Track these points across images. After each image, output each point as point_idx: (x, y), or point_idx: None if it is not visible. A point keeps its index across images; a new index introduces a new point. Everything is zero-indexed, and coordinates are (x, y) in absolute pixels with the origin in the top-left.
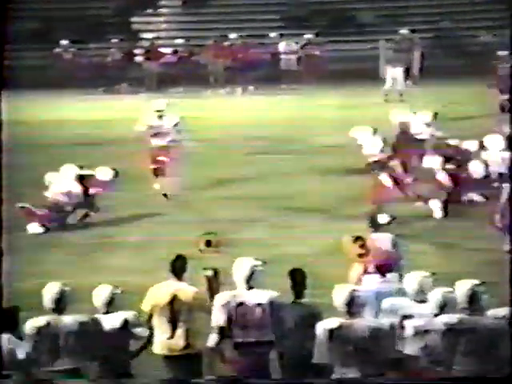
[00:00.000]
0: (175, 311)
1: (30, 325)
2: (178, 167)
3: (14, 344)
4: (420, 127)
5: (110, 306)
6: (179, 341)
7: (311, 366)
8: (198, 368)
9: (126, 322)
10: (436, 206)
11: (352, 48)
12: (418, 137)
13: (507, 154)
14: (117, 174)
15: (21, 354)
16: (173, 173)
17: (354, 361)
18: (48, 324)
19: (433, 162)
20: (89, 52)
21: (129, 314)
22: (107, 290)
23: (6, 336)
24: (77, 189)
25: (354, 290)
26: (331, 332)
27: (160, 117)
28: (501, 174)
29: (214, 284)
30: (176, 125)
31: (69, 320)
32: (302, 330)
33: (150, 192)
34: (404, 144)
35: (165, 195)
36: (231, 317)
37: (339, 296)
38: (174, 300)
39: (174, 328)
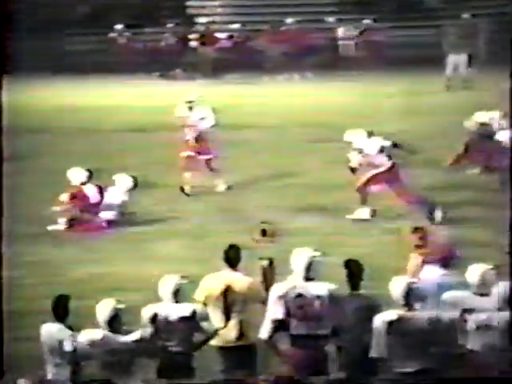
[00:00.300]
0: (229, 302)
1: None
2: (210, 161)
3: (64, 335)
4: (497, 126)
5: (177, 296)
6: (232, 332)
7: (370, 360)
8: (251, 360)
9: (194, 314)
10: None
11: (413, 33)
12: (496, 137)
13: None
14: (135, 185)
15: (68, 347)
16: (202, 166)
17: (413, 354)
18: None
19: None
20: (143, 37)
21: (198, 306)
22: (173, 281)
23: (56, 326)
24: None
25: (413, 282)
26: (389, 325)
27: (190, 108)
28: None
29: (269, 274)
30: (203, 118)
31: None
32: (360, 323)
33: (203, 180)
34: (480, 144)
35: (182, 190)
36: (288, 309)
37: (397, 288)
38: (227, 290)
39: (227, 319)
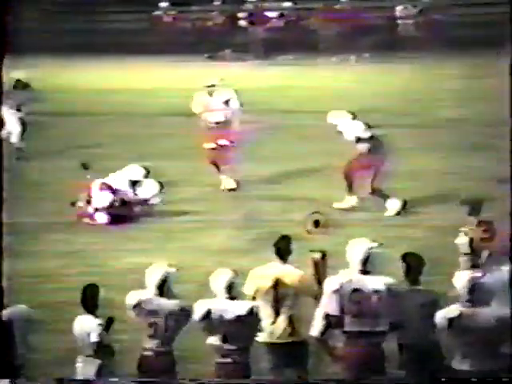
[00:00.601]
0: (279, 296)
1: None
2: (237, 152)
3: (92, 326)
4: None
5: (231, 291)
6: (282, 328)
7: (431, 358)
8: (302, 358)
9: (251, 312)
10: None
11: (475, 12)
12: None
13: None
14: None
15: (93, 338)
16: (230, 159)
17: (476, 353)
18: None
19: None
20: (190, 15)
21: (255, 303)
22: (227, 276)
23: (86, 317)
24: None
25: (477, 277)
26: (451, 321)
27: (210, 94)
28: None
29: (322, 268)
30: (227, 102)
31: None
32: (421, 320)
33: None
34: None
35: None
36: (343, 304)
37: (460, 283)
38: (277, 284)
39: (276, 314)
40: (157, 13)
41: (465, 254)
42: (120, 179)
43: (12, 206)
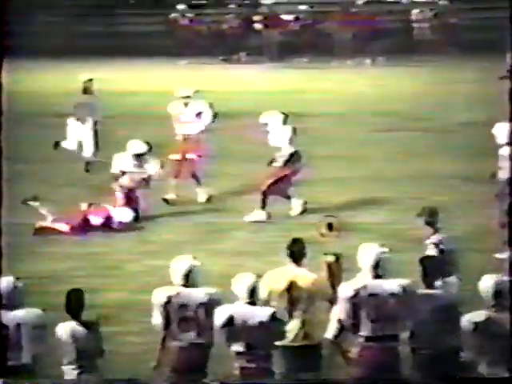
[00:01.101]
0: (293, 299)
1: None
2: (204, 166)
3: (78, 333)
4: None
5: (253, 295)
6: (296, 331)
7: (449, 363)
8: (315, 361)
9: (274, 316)
10: None
11: (491, 16)
12: None
13: None
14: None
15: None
16: (197, 172)
17: (502, 358)
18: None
19: None
20: (205, 18)
21: (277, 309)
22: (249, 280)
23: (70, 324)
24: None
25: (503, 281)
26: (476, 326)
27: (186, 104)
28: None
29: (336, 271)
30: (199, 114)
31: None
32: (437, 323)
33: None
34: None
35: (165, 200)
36: (359, 310)
37: (485, 286)
38: (291, 287)
39: (291, 317)
40: (173, 15)
41: None
42: (125, 158)
43: (22, 207)
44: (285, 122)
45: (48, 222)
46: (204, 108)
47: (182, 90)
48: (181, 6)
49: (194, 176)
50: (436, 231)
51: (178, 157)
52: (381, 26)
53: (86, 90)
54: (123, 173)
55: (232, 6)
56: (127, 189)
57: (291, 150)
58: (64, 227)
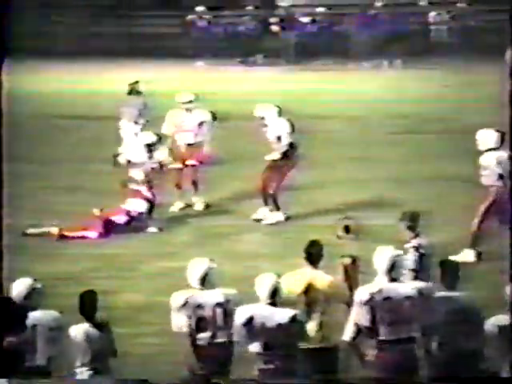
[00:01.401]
0: (310, 301)
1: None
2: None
3: (92, 335)
4: None
5: (275, 296)
6: (313, 333)
7: (467, 365)
8: (332, 363)
9: (294, 319)
10: None
11: (508, 18)
12: None
13: None
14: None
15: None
16: (196, 179)
17: None
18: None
19: None
20: (223, 20)
21: (297, 311)
22: (271, 280)
23: (83, 326)
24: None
25: None
26: (500, 329)
27: (188, 110)
28: None
29: (352, 273)
30: (201, 123)
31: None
32: (455, 325)
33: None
34: None
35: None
36: (375, 313)
37: (508, 290)
38: (308, 289)
39: (308, 318)
40: (190, 17)
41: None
42: (137, 148)
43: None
44: (279, 115)
45: (68, 231)
46: (206, 117)
47: (182, 96)
48: (200, 8)
49: (194, 183)
50: (417, 235)
51: (179, 165)
52: (398, 28)
53: (132, 91)
54: (133, 164)
55: (249, 7)
56: (141, 183)
57: (289, 141)
58: (92, 234)
